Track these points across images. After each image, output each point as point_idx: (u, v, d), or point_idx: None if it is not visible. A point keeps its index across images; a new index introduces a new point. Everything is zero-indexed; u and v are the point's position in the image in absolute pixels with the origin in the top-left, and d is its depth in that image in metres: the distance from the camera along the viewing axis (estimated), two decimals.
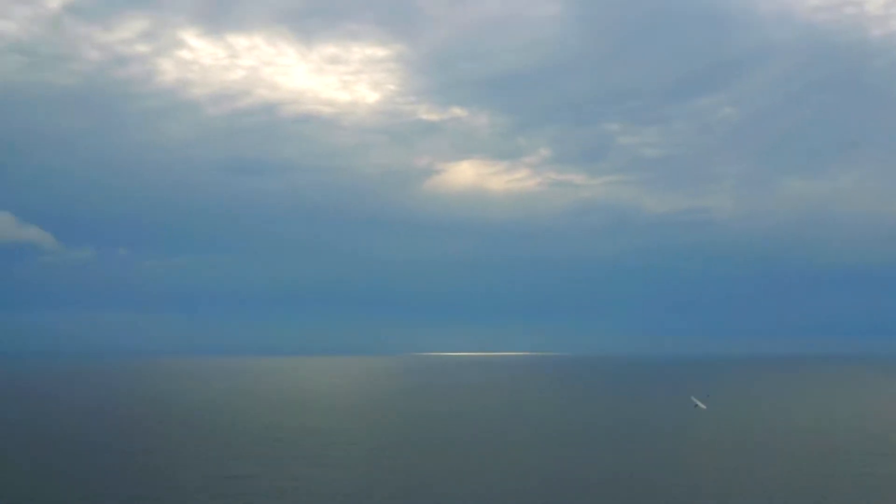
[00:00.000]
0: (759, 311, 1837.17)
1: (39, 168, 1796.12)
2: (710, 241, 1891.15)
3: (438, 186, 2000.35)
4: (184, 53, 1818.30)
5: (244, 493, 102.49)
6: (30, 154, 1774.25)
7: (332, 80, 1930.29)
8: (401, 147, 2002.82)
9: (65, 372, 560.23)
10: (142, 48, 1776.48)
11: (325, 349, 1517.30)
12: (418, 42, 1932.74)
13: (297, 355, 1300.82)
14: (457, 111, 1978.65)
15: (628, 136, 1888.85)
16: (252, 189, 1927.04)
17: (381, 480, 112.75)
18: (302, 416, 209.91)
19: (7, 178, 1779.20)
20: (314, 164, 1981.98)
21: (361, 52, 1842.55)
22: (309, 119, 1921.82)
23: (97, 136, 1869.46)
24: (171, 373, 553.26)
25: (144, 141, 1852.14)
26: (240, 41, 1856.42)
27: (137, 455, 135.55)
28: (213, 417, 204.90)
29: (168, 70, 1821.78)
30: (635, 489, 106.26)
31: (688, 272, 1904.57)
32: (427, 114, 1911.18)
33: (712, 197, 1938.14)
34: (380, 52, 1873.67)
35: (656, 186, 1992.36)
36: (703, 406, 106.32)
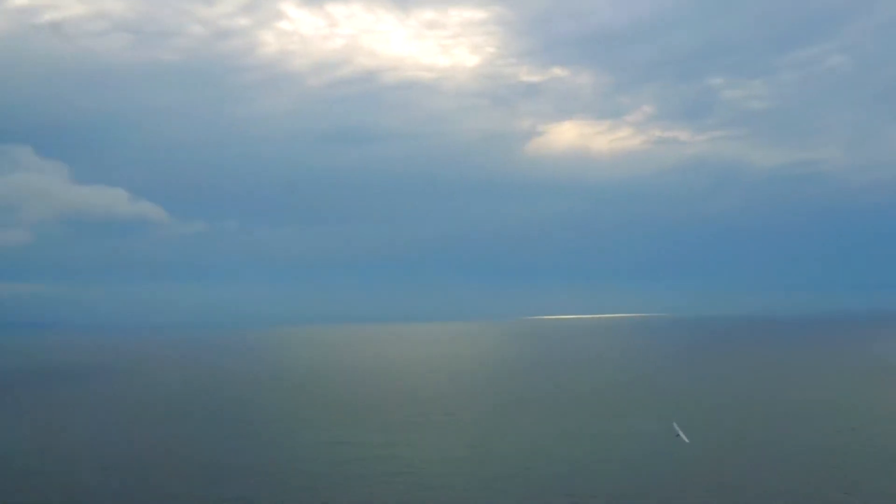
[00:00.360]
0: (875, 264, 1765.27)
1: (148, 144, 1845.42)
2: (821, 195, 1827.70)
3: (541, 148, 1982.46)
4: (284, 25, 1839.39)
5: (356, 458, 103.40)
6: (139, 131, 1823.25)
7: (431, 45, 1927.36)
8: (502, 110, 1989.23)
9: (182, 343, 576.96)
10: (243, 21, 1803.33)
11: (434, 316, 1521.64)
12: (517, 3, 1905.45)
13: (406, 322, 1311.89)
14: (557, 71, 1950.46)
15: (733, 89, 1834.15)
16: (355, 158, 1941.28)
17: (491, 445, 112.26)
18: (413, 382, 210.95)
19: (118, 155, 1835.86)
20: (416, 131, 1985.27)
21: (459, 15, 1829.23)
22: (409, 85, 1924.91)
23: (202, 110, 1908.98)
24: (286, 342, 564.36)
25: (248, 113, 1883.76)
26: (338, 10, 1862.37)
27: (255, 423, 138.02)
28: (325, 385, 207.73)
29: (269, 42, 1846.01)
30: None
31: (799, 227, 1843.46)
32: (528, 75, 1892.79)
33: (822, 149, 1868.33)
34: (478, 14, 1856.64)
35: (764, 140, 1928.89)
36: (685, 438, 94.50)
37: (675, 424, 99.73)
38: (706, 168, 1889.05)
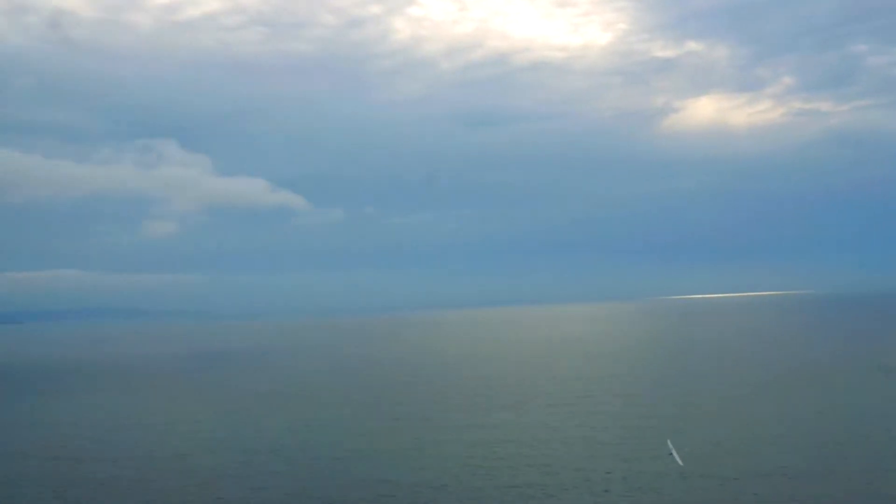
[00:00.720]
0: None
1: (287, 134, 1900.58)
2: None
3: (677, 125, 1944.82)
4: (414, 10, 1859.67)
5: (490, 441, 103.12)
6: (277, 122, 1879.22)
7: (562, 24, 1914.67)
8: (636, 87, 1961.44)
9: (322, 330, 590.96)
10: (374, 9, 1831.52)
11: (571, 297, 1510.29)
12: None
13: (543, 305, 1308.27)
14: (692, 45, 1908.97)
15: (878, 56, 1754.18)
16: (489, 141, 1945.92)
17: (631, 427, 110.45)
18: (550, 364, 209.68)
19: (258, 146, 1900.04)
20: (548, 112, 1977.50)
21: None
22: (541, 66, 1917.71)
23: (337, 99, 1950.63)
24: (425, 327, 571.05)
25: (382, 100, 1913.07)
26: None
27: (393, 406, 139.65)
28: (462, 368, 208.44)
29: (401, 28, 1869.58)
30: None
31: None
32: (661, 51, 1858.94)
33: None
34: None
35: None
36: (678, 460, 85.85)
37: (668, 442, 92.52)
38: (850, 139, 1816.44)
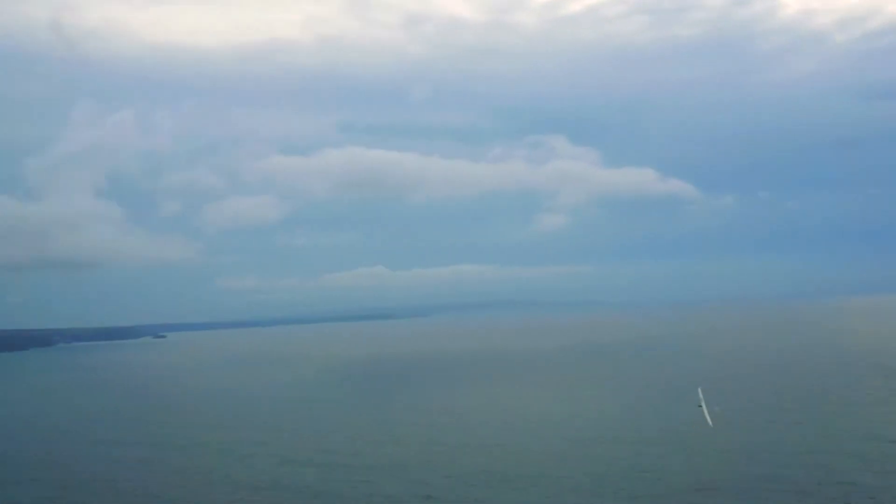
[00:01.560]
0: None
1: (674, 122, 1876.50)
2: None
3: None
4: None
5: None
6: (663, 110, 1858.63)
7: None
8: None
9: (712, 318, 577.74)
10: None
11: None
12: None
13: None
14: None
15: None
16: (890, 115, 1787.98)
17: None
18: None
19: (645, 136, 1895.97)
20: None
21: None
22: None
23: (724, 81, 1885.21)
24: (823, 316, 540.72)
25: (772, 79, 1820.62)
26: None
27: (797, 401, 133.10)
28: (871, 361, 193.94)
29: (789, 3, 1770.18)
30: None
31: None
32: None
33: None
34: None
35: None
36: (708, 418, 68.61)
37: (699, 391, 77.25)
38: None
